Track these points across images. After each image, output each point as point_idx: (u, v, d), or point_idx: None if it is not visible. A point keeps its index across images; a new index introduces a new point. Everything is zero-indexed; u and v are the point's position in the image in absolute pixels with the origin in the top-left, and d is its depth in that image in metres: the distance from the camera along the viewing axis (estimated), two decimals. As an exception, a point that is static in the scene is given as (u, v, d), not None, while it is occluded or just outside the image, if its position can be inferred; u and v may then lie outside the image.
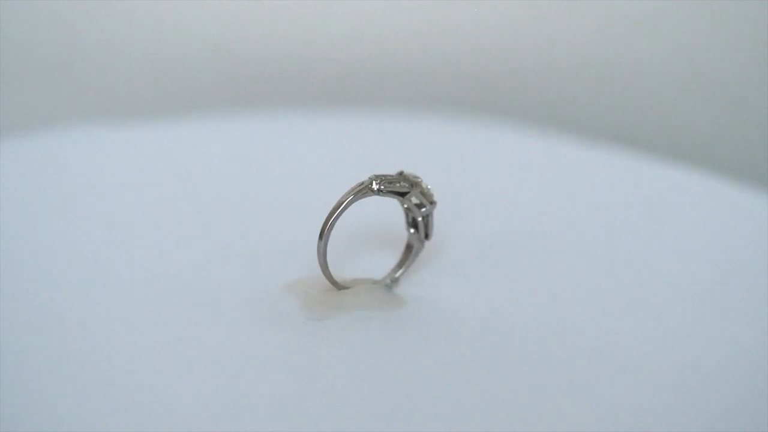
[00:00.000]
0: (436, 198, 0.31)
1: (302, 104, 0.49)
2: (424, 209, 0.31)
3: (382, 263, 0.33)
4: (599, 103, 0.51)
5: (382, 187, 0.30)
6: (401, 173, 0.30)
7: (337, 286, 0.31)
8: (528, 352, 0.29)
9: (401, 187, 0.30)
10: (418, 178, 0.31)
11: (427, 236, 0.31)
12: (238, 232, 0.36)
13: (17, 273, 0.32)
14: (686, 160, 0.44)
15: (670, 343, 0.30)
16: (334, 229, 0.29)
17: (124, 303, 0.31)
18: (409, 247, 0.32)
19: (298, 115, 0.46)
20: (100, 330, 0.29)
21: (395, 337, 0.30)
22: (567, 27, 0.51)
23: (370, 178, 0.30)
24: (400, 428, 0.26)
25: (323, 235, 0.30)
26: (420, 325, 0.30)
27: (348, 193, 0.30)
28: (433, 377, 0.28)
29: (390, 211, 0.33)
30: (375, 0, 0.51)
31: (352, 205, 0.30)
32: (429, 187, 0.31)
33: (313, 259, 0.30)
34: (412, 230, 0.32)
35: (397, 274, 0.32)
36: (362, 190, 0.30)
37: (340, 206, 0.29)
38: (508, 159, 0.43)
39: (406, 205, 0.31)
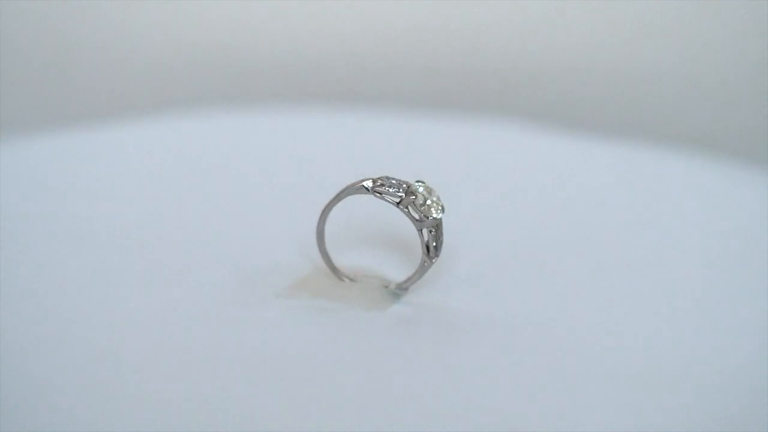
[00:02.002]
0: (437, 214, 0.29)
1: (303, 103, 0.49)
2: (420, 223, 0.29)
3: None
4: (604, 100, 0.51)
5: (376, 188, 0.29)
6: (414, 182, 0.30)
7: (338, 275, 0.32)
8: (536, 358, 0.29)
9: (394, 193, 0.29)
10: (420, 189, 0.29)
11: (428, 251, 0.30)
12: (237, 229, 0.36)
13: (18, 271, 0.32)
14: (695, 154, 0.43)
15: (691, 349, 0.29)
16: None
17: (123, 301, 0.31)
18: None
19: (300, 114, 0.46)
20: (103, 323, 0.29)
21: (389, 339, 0.29)
22: (568, 23, 0.51)
23: (379, 177, 0.30)
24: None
25: (319, 219, 0.31)
26: (414, 329, 0.30)
27: (348, 186, 0.30)
28: (424, 381, 0.28)
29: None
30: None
31: (351, 198, 0.30)
32: (429, 202, 0.29)
33: (310, 255, 0.31)
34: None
35: (407, 283, 0.31)
36: (360, 188, 0.30)
37: (336, 196, 0.30)
38: (512, 159, 0.43)
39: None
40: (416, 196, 0.29)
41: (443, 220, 0.30)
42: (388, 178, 0.30)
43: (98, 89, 0.51)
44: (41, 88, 0.51)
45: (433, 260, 0.30)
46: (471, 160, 0.43)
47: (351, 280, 0.32)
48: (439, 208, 0.30)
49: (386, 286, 0.31)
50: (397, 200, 0.29)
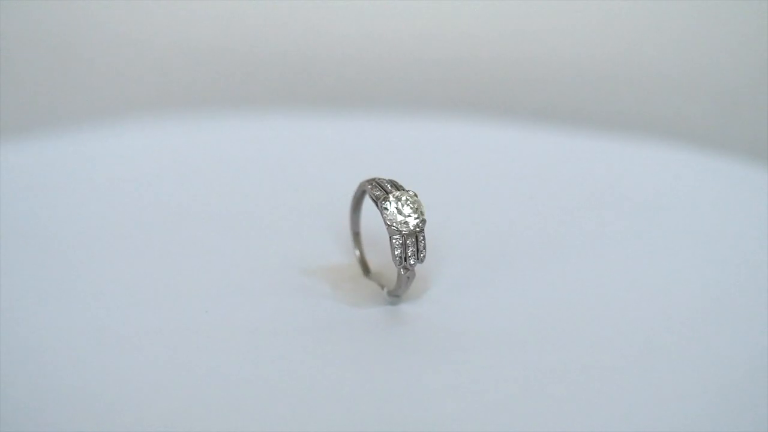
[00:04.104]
0: (401, 228, 0.29)
1: (303, 103, 0.49)
2: (388, 229, 0.29)
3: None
4: (600, 100, 0.51)
5: (370, 188, 0.30)
6: (406, 190, 0.29)
7: (364, 269, 0.32)
8: (531, 363, 0.28)
9: (377, 197, 0.29)
10: (391, 199, 0.29)
11: (393, 258, 0.29)
12: (240, 229, 0.36)
13: (19, 271, 0.32)
14: (695, 154, 0.43)
15: (690, 351, 0.29)
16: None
17: (126, 308, 0.31)
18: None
19: (299, 114, 0.46)
20: (108, 328, 0.29)
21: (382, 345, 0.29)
22: (568, 23, 0.51)
23: (379, 178, 0.30)
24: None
25: (351, 210, 0.32)
26: (400, 331, 0.30)
27: (361, 182, 0.30)
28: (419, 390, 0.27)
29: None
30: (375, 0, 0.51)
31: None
32: (399, 214, 0.29)
33: (315, 255, 0.32)
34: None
35: (396, 291, 0.31)
36: (364, 184, 0.30)
37: (356, 191, 0.31)
38: (508, 159, 0.43)
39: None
40: (387, 204, 0.29)
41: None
42: (391, 181, 0.30)
43: (98, 92, 0.51)
44: (41, 88, 0.51)
45: (402, 270, 0.29)
46: (465, 159, 0.43)
47: (371, 276, 0.32)
48: (412, 222, 0.29)
49: (382, 287, 0.31)
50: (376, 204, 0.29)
